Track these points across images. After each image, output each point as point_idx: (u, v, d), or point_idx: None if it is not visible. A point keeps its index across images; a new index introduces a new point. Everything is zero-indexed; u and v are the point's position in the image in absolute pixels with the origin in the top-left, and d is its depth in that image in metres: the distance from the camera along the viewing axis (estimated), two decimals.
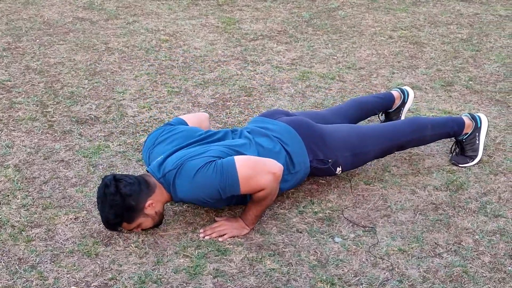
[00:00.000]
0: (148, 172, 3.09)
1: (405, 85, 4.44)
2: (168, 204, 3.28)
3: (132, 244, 2.99)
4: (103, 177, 3.01)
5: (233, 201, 3.18)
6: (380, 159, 3.70)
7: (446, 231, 3.14)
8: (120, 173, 3.44)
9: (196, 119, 3.47)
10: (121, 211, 2.91)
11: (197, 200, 3.00)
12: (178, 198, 3.01)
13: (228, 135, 3.26)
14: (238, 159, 2.94)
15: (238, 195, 3.02)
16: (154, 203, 2.98)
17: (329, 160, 3.30)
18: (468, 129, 3.67)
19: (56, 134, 3.97)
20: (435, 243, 3.05)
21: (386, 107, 3.96)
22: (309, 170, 3.29)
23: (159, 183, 3.00)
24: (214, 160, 2.94)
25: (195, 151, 3.04)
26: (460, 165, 3.68)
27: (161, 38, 5.71)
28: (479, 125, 3.67)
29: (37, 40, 5.59)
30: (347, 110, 3.76)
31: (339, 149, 3.34)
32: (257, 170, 2.95)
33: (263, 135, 3.24)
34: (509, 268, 2.89)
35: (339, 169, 3.36)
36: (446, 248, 3.02)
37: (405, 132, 3.53)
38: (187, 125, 3.37)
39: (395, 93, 3.99)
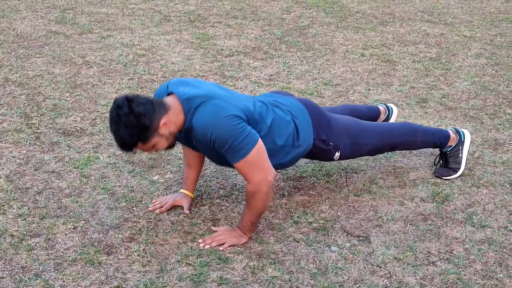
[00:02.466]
0: (169, 95, 3.06)
1: (388, 102, 4.58)
2: (165, 214, 3.33)
3: (134, 253, 3.02)
4: (114, 99, 2.94)
5: (224, 162, 3.20)
6: (367, 171, 3.81)
7: (437, 241, 3.25)
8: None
9: None
10: (136, 130, 2.86)
11: (204, 135, 2.95)
12: (190, 124, 2.98)
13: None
14: (259, 143, 3.00)
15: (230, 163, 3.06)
16: (168, 123, 2.95)
17: (331, 143, 3.41)
18: (452, 142, 3.82)
19: (44, 146, 3.98)
20: (428, 252, 3.16)
21: (372, 118, 4.08)
22: (310, 147, 3.36)
23: (179, 103, 2.99)
24: (245, 123, 2.98)
25: (228, 94, 3.08)
26: (443, 177, 3.81)
27: (137, 53, 5.75)
28: (462, 139, 3.82)
29: (13, 53, 5.57)
30: (340, 111, 3.87)
31: (341, 135, 3.45)
32: (259, 163, 3.00)
33: (275, 106, 3.32)
34: (500, 275, 3.01)
35: (337, 154, 3.46)
36: (438, 256, 3.13)
37: (399, 133, 3.69)
38: None
39: (381, 108, 4.12)
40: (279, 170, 3.77)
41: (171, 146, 3.05)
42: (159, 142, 2.97)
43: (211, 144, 2.97)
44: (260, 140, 3.02)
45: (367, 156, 3.92)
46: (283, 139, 3.24)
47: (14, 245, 3.04)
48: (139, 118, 2.85)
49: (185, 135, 3.06)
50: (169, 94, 3.07)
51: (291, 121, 3.29)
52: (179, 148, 3.84)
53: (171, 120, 2.97)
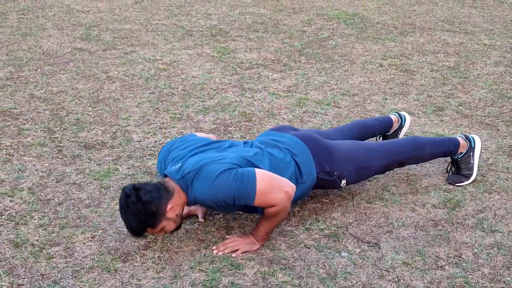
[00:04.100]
0: (166, 176, 3.22)
1: (401, 111, 4.64)
2: None
3: (149, 260, 3.12)
4: (122, 188, 3.11)
5: (245, 209, 3.33)
6: (380, 178, 3.88)
7: (447, 245, 3.31)
8: (137, 182, 3.55)
9: (206, 136, 3.63)
10: (144, 218, 3.02)
11: (212, 201, 3.10)
12: (193, 199, 3.12)
13: (239, 143, 3.43)
14: (259, 172, 3.09)
15: (250, 205, 3.16)
16: (174, 206, 3.10)
17: (335, 173, 3.47)
18: (462, 149, 3.86)
19: (65, 159, 4.11)
20: (437, 256, 3.21)
21: (385, 130, 4.14)
22: (315, 181, 3.44)
23: (177, 185, 3.13)
24: (235, 168, 3.09)
25: (213, 156, 3.19)
26: (456, 184, 3.86)
27: (159, 67, 5.88)
28: (473, 145, 3.87)
29: (39, 70, 5.74)
30: (348, 130, 3.94)
31: (344, 163, 3.51)
32: (273, 186, 3.10)
33: (273, 146, 3.40)
34: (508, 278, 3.06)
35: (343, 182, 3.52)
36: (447, 261, 3.18)
37: (406, 149, 3.73)
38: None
39: (393, 117, 4.17)
40: None
41: (178, 227, 3.21)
42: (167, 225, 3.13)
43: (223, 204, 3.11)
44: (256, 169, 3.12)
45: None
46: None
47: (34, 254, 3.16)
48: (147, 206, 3.02)
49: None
50: (165, 175, 3.26)
51: (291, 160, 3.36)
52: None
53: (177, 203, 3.13)
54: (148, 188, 3.05)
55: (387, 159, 3.67)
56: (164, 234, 3.21)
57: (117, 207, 3.55)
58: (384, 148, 3.73)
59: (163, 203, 3.06)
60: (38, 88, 5.30)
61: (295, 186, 3.19)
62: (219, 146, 3.37)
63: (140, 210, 3.01)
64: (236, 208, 3.30)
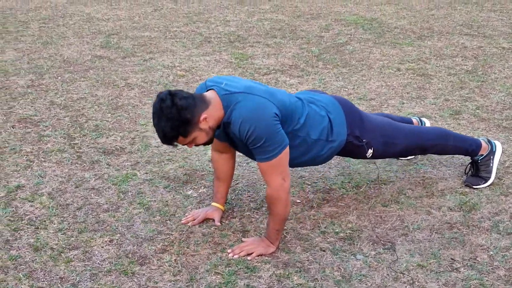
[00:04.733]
0: (209, 89, 3.17)
1: (421, 116, 4.67)
2: (197, 226, 3.47)
3: (166, 263, 3.17)
4: (157, 93, 3.05)
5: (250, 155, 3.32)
6: (395, 182, 3.90)
7: (462, 248, 3.31)
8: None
9: None
10: (177, 123, 2.98)
11: (243, 130, 3.04)
12: (228, 119, 3.08)
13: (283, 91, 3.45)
14: (287, 149, 3.13)
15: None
16: (208, 118, 3.05)
17: (364, 140, 3.51)
18: (484, 151, 3.88)
19: (85, 164, 4.17)
20: (452, 259, 3.22)
21: None
22: (344, 143, 3.46)
23: (219, 99, 3.10)
24: (280, 124, 3.10)
25: (264, 90, 3.18)
26: (473, 186, 3.87)
27: (177, 74, 5.94)
28: (494, 149, 3.89)
29: (59, 77, 5.82)
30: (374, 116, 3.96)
31: (373, 133, 3.55)
32: (281, 167, 3.13)
33: (311, 102, 3.44)
34: None
35: (370, 151, 3.55)
36: (462, 263, 3.19)
37: (431, 136, 3.79)
38: None
39: (414, 120, 4.20)
40: (315, 166, 3.92)
41: (210, 141, 3.18)
42: (198, 136, 3.10)
43: (245, 139, 3.08)
44: (288, 146, 3.15)
45: (396, 168, 4.01)
46: (317, 133, 3.36)
47: (53, 257, 3.21)
48: (181, 111, 2.96)
49: (224, 130, 3.19)
50: (208, 89, 3.19)
51: (325, 116, 3.40)
52: None
53: (211, 115, 3.08)
54: (184, 95, 3.00)
55: (414, 141, 3.72)
56: (195, 146, 3.16)
57: (135, 211, 3.62)
58: (412, 130, 3.79)
59: (198, 111, 3.01)
60: (58, 96, 5.37)
61: (289, 186, 3.18)
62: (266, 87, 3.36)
63: (174, 115, 2.95)
64: (248, 153, 3.29)
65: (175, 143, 3.11)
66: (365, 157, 3.60)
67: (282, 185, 3.14)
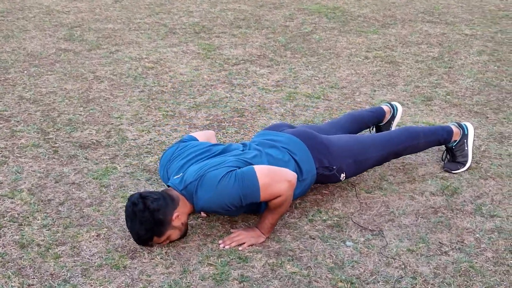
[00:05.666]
0: (169, 186, 3.25)
1: (392, 101, 4.70)
2: None
3: (157, 256, 3.14)
4: (128, 196, 3.15)
5: (249, 210, 3.35)
6: (377, 168, 3.93)
7: (448, 232, 3.36)
8: (143, 190, 3.57)
9: (205, 136, 3.65)
10: (151, 226, 3.06)
11: (219, 207, 3.14)
12: (199, 207, 3.16)
13: (238, 146, 3.45)
14: (258, 168, 3.12)
15: (255, 203, 3.19)
16: (180, 215, 3.14)
17: (334, 167, 3.51)
18: (456, 137, 3.93)
19: (62, 159, 4.10)
20: (440, 243, 3.27)
21: (378, 120, 4.19)
22: (315, 177, 3.49)
23: (181, 195, 3.17)
24: (234, 170, 3.12)
25: (213, 162, 3.22)
26: (452, 171, 3.92)
27: (146, 66, 5.88)
28: (466, 132, 3.94)
29: (25, 72, 5.71)
30: (343, 123, 3.98)
31: (342, 157, 3.55)
32: (274, 178, 3.13)
33: (271, 147, 3.44)
34: (511, 261, 3.12)
35: (343, 175, 3.56)
36: (450, 246, 3.24)
37: (400, 140, 3.78)
38: (198, 141, 3.55)
39: (385, 107, 4.22)
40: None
41: (183, 235, 3.25)
42: (172, 234, 3.17)
43: (231, 208, 3.13)
44: (254, 166, 3.15)
45: None
46: None
47: (41, 254, 3.15)
48: (154, 213, 3.06)
49: None
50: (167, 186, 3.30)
51: (290, 159, 3.40)
52: None
53: (182, 212, 3.17)
54: (155, 197, 3.09)
55: (384, 150, 3.71)
56: (169, 243, 3.22)
57: (120, 205, 3.57)
58: (380, 140, 3.77)
59: (169, 211, 3.10)
60: (26, 90, 5.27)
61: (295, 174, 3.22)
62: (218, 151, 3.40)
63: (148, 218, 3.04)
64: (243, 210, 3.31)
65: (150, 243, 3.17)
66: (340, 181, 3.61)
67: (289, 183, 3.15)
